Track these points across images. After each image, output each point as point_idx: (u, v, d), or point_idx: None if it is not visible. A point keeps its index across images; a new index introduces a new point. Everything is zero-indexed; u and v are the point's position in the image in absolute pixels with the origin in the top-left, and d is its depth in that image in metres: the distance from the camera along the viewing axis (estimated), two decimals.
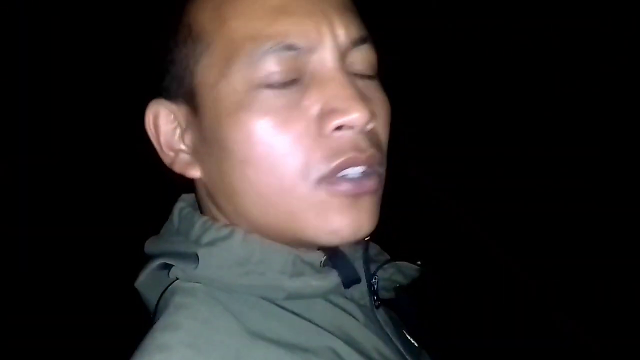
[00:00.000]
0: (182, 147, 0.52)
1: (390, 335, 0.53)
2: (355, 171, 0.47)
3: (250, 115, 0.46)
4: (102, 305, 2.11)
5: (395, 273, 0.56)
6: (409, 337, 0.57)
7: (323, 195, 0.46)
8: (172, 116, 0.52)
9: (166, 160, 0.53)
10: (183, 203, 0.56)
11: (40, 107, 2.62)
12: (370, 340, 0.51)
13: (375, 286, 0.53)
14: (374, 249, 0.59)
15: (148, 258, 0.54)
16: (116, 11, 2.31)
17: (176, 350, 0.43)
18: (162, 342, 0.43)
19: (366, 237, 0.51)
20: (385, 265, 0.54)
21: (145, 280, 0.53)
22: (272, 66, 0.46)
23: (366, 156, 0.47)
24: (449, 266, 2.23)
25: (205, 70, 0.48)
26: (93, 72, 2.51)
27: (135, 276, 0.54)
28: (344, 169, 0.46)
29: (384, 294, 0.56)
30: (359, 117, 0.45)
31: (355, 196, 0.47)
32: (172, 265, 0.49)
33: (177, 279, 0.49)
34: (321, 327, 0.48)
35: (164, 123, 0.52)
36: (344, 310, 0.51)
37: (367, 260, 0.53)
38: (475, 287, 2.26)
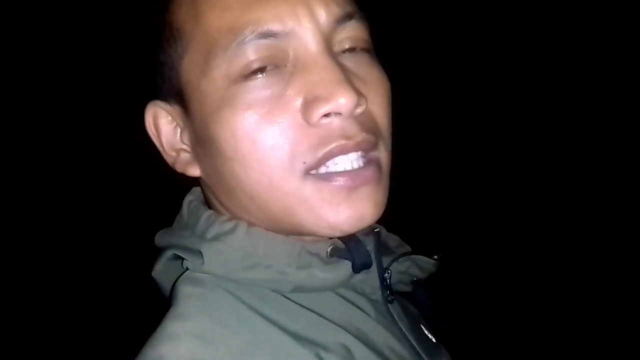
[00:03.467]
0: (183, 146, 0.52)
1: (405, 331, 0.52)
2: (346, 159, 0.45)
3: (232, 111, 0.44)
4: (101, 305, 2.11)
5: (411, 266, 0.54)
6: (426, 332, 0.56)
7: (311, 188, 0.44)
8: (170, 117, 0.52)
9: (169, 160, 0.53)
10: (192, 196, 0.56)
11: (40, 107, 2.62)
12: (381, 335, 0.50)
13: (388, 280, 0.51)
14: (394, 240, 0.57)
15: (160, 249, 0.54)
16: (116, 12, 2.31)
17: (184, 341, 0.43)
18: (171, 332, 0.44)
19: (373, 227, 0.49)
20: (401, 259, 0.53)
21: (161, 270, 0.53)
22: (250, 56, 0.44)
23: (355, 142, 0.44)
24: (472, 265, 2.22)
25: (188, 69, 0.47)
26: (92, 72, 2.51)
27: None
28: (332, 158, 0.44)
29: (402, 287, 0.54)
30: (345, 102, 0.43)
31: (350, 188, 0.45)
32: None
33: (188, 269, 0.49)
34: (331, 322, 0.47)
35: (164, 124, 0.52)
36: (354, 304, 0.50)
37: (378, 253, 0.51)
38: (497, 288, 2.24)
